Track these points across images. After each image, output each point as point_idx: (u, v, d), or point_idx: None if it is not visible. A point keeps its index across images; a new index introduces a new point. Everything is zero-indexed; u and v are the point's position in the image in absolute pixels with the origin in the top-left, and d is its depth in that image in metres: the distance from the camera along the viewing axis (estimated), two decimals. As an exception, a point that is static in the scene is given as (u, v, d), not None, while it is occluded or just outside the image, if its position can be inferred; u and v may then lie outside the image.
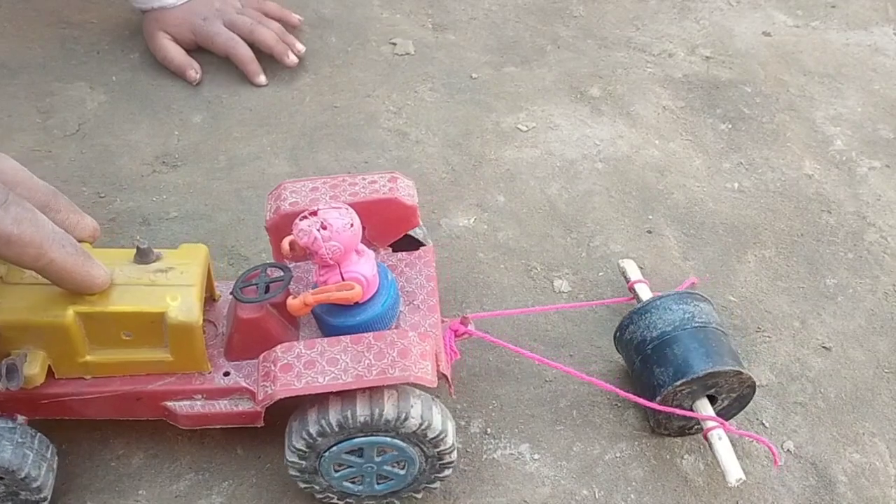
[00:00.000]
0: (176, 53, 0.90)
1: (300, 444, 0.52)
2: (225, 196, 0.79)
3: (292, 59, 0.90)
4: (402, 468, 0.55)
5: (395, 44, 0.97)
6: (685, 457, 0.62)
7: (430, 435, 0.52)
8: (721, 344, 0.60)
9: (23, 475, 0.52)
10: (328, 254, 0.52)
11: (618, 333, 0.64)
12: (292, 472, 0.54)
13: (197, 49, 0.91)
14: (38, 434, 0.54)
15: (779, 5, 1.05)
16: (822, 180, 0.83)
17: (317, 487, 0.55)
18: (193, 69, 0.89)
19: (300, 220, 0.52)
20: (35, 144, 0.83)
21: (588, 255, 0.75)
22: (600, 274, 0.73)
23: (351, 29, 0.98)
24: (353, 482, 0.55)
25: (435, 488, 0.57)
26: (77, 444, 0.60)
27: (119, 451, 0.60)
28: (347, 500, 0.57)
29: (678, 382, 0.58)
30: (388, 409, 0.51)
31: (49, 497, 0.54)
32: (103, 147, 0.83)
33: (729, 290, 0.73)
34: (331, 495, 0.56)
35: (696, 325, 0.60)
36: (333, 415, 0.51)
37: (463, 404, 0.64)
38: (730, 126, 0.89)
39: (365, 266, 0.54)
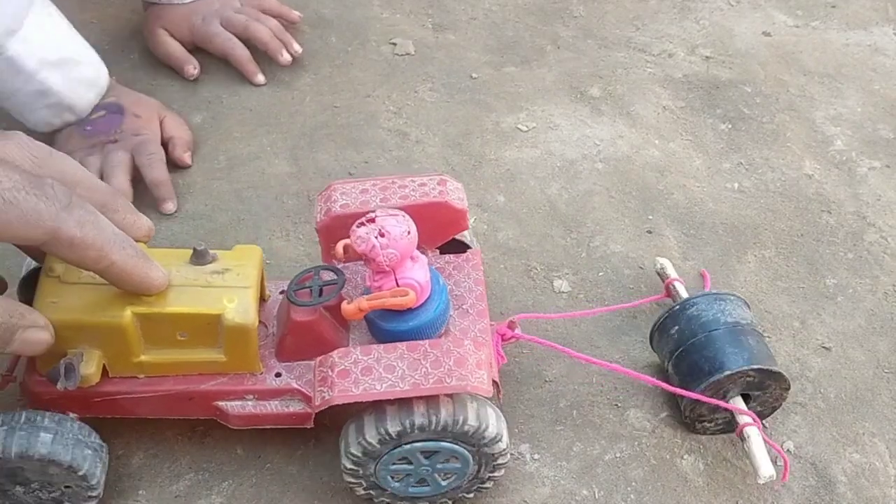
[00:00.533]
0: (174, 49, 0.90)
1: (373, 439, 0.52)
2: (225, 196, 0.79)
3: (286, 57, 0.89)
4: (447, 479, 0.55)
5: (395, 44, 0.97)
6: (685, 457, 0.62)
7: (498, 448, 0.53)
8: (771, 351, 0.61)
9: (82, 472, 0.53)
10: (385, 261, 0.52)
11: (677, 307, 0.63)
12: (348, 480, 0.54)
13: (195, 49, 0.91)
14: (93, 432, 0.55)
15: (779, 5, 1.05)
16: (822, 180, 0.83)
17: (359, 471, 0.55)
18: (192, 64, 0.89)
19: (358, 226, 0.52)
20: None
21: (588, 255, 0.75)
22: (600, 274, 0.73)
23: (351, 29, 0.98)
24: (394, 477, 0.55)
25: (488, 488, 0.57)
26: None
27: (119, 451, 0.60)
28: (370, 492, 0.57)
29: (754, 366, 0.58)
30: (471, 418, 0.51)
31: (101, 494, 0.55)
32: (103, 147, 0.83)
33: (729, 290, 0.72)
34: (362, 482, 0.56)
35: (753, 325, 0.62)
36: (418, 416, 0.51)
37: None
38: (730, 126, 0.89)
39: (419, 272, 0.54)
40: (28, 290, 0.54)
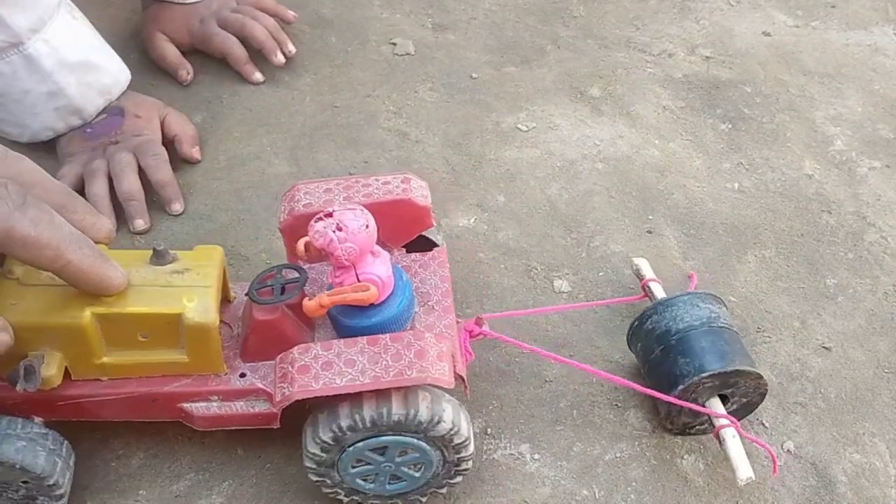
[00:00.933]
0: (169, 52, 0.90)
1: (327, 437, 0.52)
2: (225, 196, 0.79)
3: (280, 57, 0.89)
4: (419, 470, 0.55)
5: (395, 44, 0.97)
6: (685, 457, 0.62)
7: (457, 440, 0.53)
8: (743, 347, 0.61)
9: (51, 482, 0.52)
10: (344, 255, 0.52)
11: (636, 323, 0.63)
12: (309, 465, 0.54)
13: (193, 51, 0.91)
14: (65, 440, 0.54)
15: (779, 5, 1.05)
16: (822, 180, 0.83)
17: (328, 482, 0.55)
18: (185, 69, 0.89)
19: (315, 221, 0.52)
20: (36, 145, 0.83)
21: (588, 255, 0.75)
22: (600, 274, 0.73)
23: (351, 29, 0.98)
24: (365, 480, 0.55)
25: (443, 493, 0.57)
26: (77, 444, 0.60)
27: (119, 451, 0.60)
28: (353, 497, 0.57)
29: (704, 374, 0.58)
30: (423, 411, 0.51)
31: (66, 498, 0.55)
32: (103, 147, 0.83)
33: (729, 290, 0.73)
34: (339, 491, 0.56)
35: (721, 325, 0.61)
36: (368, 411, 0.51)
37: (463, 404, 0.64)
38: (730, 126, 0.89)
39: (380, 267, 0.54)
40: None
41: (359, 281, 0.53)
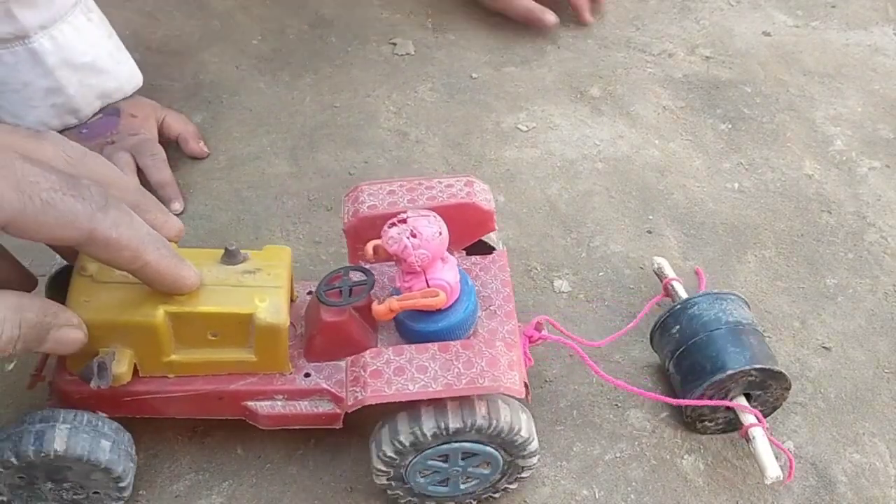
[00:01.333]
0: (530, 3, 0.96)
1: (390, 452, 0.52)
2: (225, 196, 0.79)
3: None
4: (487, 468, 0.55)
5: (395, 44, 0.97)
6: (685, 457, 0.62)
7: (530, 449, 0.53)
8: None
9: (117, 474, 0.53)
10: (417, 261, 0.52)
11: (678, 306, 0.63)
12: (380, 482, 0.54)
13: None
14: (128, 434, 0.55)
15: (779, 5, 1.05)
16: (822, 180, 0.83)
17: (401, 493, 0.56)
18: (550, 14, 0.95)
19: (389, 227, 0.52)
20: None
21: (588, 255, 0.75)
22: (600, 274, 0.73)
23: (351, 29, 0.98)
24: (441, 485, 0.56)
25: (514, 489, 0.57)
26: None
27: (119, 451, 0.60)
28: (411, 499, 0.57)
29: (756, 366, 0.58)
30: (480, 419, 0.51)
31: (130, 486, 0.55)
32: (103, 147, 0.83)
33: (730, 290, 0.72)
34: (413, 499, 0.57)
35: (754, 325, 0.62)
36: (427, 423, 0.51)
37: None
38: (730, 126, 0.89)
39: (449, 273, 0.54)
40: (56, 288, 0.54)
41: (428, 286, 0.53)
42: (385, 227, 0.53)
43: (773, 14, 1.04)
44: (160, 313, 0.51)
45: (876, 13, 1.05)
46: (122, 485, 0.54)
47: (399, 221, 0.53)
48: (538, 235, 0.77)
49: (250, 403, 0.55)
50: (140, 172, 0.77)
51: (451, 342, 0.53)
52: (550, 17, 0.96)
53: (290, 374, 0.55)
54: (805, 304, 0.72)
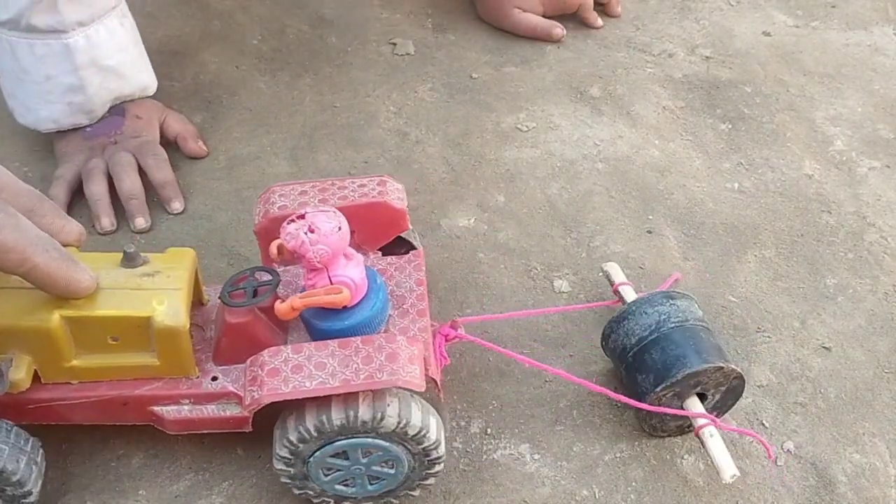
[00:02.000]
0: (535, 20, 0.97)
1: (284, 452, 0.52)
2: (225, 196, 0.79)
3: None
4: (392, 467, 0.55)
5: (395, 44, 0.97)
6: (685, 457, 0.62)
7: (411, 433, 0.52)
8: (700, 341, 0.59)
9: (17, 479, 0.52)
10: (316, 257, 0.52)
11: (603, 343, 0.64)
12: (284, 480, 0.54)
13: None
14: (15, 428, 0.53)
15: (779, 5, 1.05)
16: (822, 180, 0.83)
17: (311, 493, 0.55)
18: (558, 27, 0.97)
19: (288, 223, 0.52)
20: (35, 144, 0.83)
21: (588, 255, 0.75)
22: (600, 274, 0.73)
23: (351, 29, 0.98)
24: (345, 485, 0.55)
25: (430, 485, 0.57)
26: (77, 444, 0.60)
27: (119, 451, 0.60)
28: (344, 502, 0.57)
29: (659, 388, 0.58)
30: (364, 411, 0.51)
31: (34, 492, 0.54)
32: (103, 147, 0.83)
33: (729, 290, 0.73)
34: (326, 499, 0.56)
35: (672, 325, 0.60)
36: (310, 420, 0.50)
37: (463, 404, 0.64)
38: (730, 126, 0.89)
39: (353, 270, 0.53)
40: None
41: (331, 283, 0.53)
42: (284, 224, 0.52)
43: (773, 14, 1.04)
44: (55, 318, 0.50)
45: (876, 13, 1.05)
46: (15, 480, 0.52)
47: (297, 217, 0.52)
48: (538, 235, 0.76)
49: (156, 408, 0.55)
50: (142, 173, 0.77)
51: (352, 338, 0.52)
52: (558, 31, 0.97)
53: (197, 377, 0.55)
54: (805, 304, 0.72)
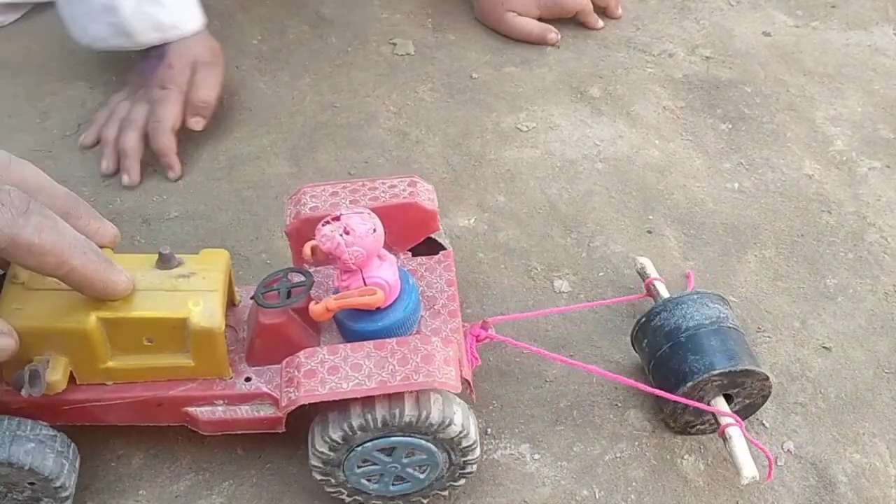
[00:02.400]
0: (530, 24, 0.97)
1: (337, 436, 0.51)
2: (225, 196, 0.79)
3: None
4: (423, 472, 0.55)
5: (395, 44, 0.97)
6: (685, 457, 0.62)
7: (465, 443, 0.53)
8: (749, 349, 0.61)
9: (58, 483, 0.53)
10: (351, 259, 0.52)
11: (643, 319, 0.63)
12: (315, 463, 0.54)
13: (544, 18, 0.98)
14: (72, 443, 0.54)
15: (779, 5, 1.05)
16: (822, 180, 0.83)
17: (332, 480, 0.55)
18: (553, 32, 0.97)
19: (323, 225, 0.52)
20: (35, 144, 0.83)
21: (588, 255, 0.75)
22: (601, 274, 0.73)
23: (351, 29, 0.98)
24: (370, 480, 0.55)
25: (444, 494, 0.57)
26: (78, 445, 0.60)
27: (119, 451, 0.60)
28: (356, 497, 0.57)
29: (714, 372, 0.58)
30: (434, 413, 0.51)
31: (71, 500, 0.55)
32: (103, 147, 0.83)
33: (729, 290, 0.73)
34: (342, 490, 0.56)
35: (731, 325, 0.61)
36: (380, 411, 0.51)
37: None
38: (730, 126, 0.89)
39: (387, 271, 0.54)
40: None
41: (365, 285, 0.53)
42: (318, 226, 0.52)
43: (773, 14, 1.04)
44: (92, 319, 0.51)
45: (876, 13, 1.05)
46: (55, 485, 0.53)
47: (332, 219, 0.52)
48: (538, 235, 0.77)
49: (191, 409, 0.55)
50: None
51: (388, 339, 0.52)
52: (553, 35, 0.97)
53: (231, 378, 0.55)
54: (805, 304, 0.72)
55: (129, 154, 0.78)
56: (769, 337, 0.69)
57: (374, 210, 0.55)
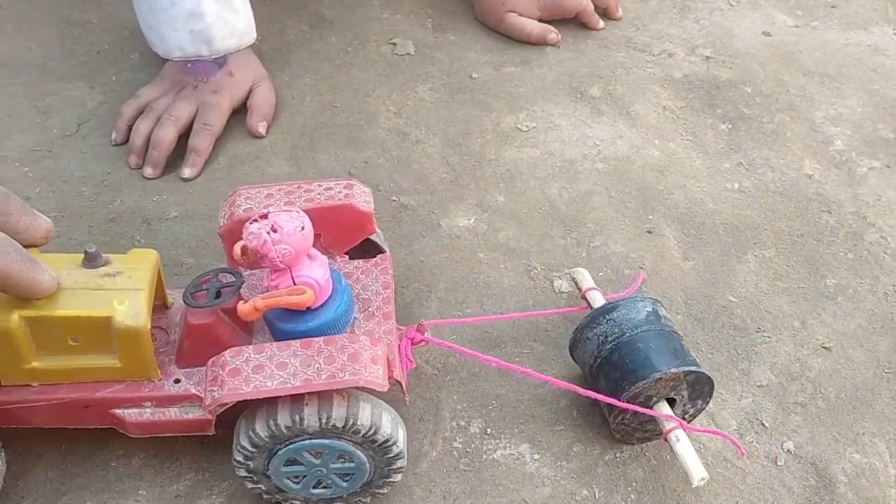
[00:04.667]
0: (530, 24, 0.97)
1: (263, 433, 0.51)
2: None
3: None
4: (346, 480, 0.55)
5: (395, 44, 0.97)
6: (685, 457, 0.62)
7: (393, 451, 0.53)
8: (636, 353, 0.59)
9: None
10: (278, 257, 0.51)
11: (573, 337, 0.63)
12: (237, 458, 0.53)
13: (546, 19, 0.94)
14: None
15: (779, 5, 1.05)
16: (822, 180, 0.83)
17: (254, 477, 0.55)
18: (553, 32, 0.98)
19: (250, 223, 0.52)
20: (35, 144, 0.83)
21: (588, 255, 0.75)
22: (600, 274, 0.73)
23: (351, 29, 0.98)
24: (292, 480, 0.55)
25: (384, 493, 0.57)
26: (77, 444, 0.60)
27: (119, 451, 0.60)
28: (276, 496, 0.56)
29: (638, 384, 0.57)
30: (363, 418, 0.51)
31: None
32: (103, 147, 0.83)
33: (729, 290, 0.73)
34: (261, 487, 0.55)
35: (610, 346, 0.60)
36: (282, 418, 0.50)
37: (463, 404, 0.64)
38: (730, 126, 0.89)
39: (317, 271, 0.53)
40: None
41: (294, 284, 0.53)
42: (246, 224, 0.52)
43: (773, 14, 1.04)
44: (14, 317, 0.50)
45: (876, 13, 1.05)
46: None
47: (260, 217, 0.52)
48: (538, 235, 0.77)
49: (118, 411, 0.54)
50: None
51: (314, 338, 0.52)
52: (553, 36, 0.97)
53: (159, 380, 0.54)
54: (805, 304, 0.72)
55: (161, 148, 0.79)
56: (769, 337, 0.69)
57: (308, 211, 0.54)
